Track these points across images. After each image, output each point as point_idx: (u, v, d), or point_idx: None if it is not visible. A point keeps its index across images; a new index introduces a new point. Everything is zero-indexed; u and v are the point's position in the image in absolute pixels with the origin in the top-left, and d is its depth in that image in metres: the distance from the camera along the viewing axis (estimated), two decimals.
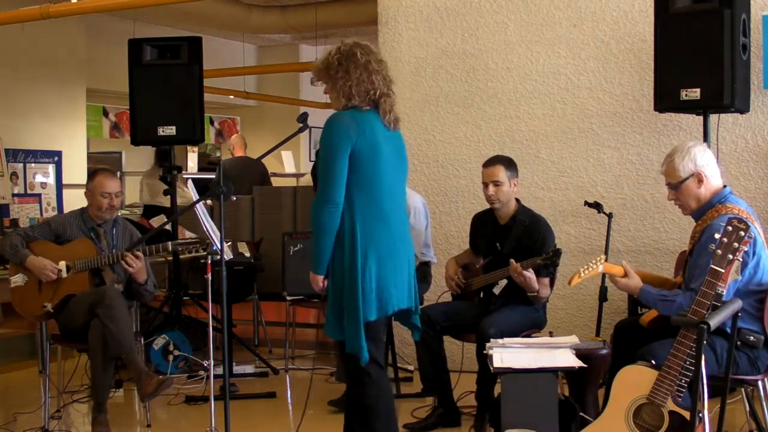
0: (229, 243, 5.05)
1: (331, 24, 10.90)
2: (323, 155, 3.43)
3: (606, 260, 3.76)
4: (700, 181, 3.61)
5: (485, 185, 4.50)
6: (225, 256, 3.81)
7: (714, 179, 3.64)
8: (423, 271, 5.20)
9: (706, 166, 3.62)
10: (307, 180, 10.63)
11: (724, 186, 3.68)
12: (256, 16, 10.97)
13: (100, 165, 10.26)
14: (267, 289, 6.53)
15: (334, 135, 3.41)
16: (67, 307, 4.59)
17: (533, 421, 3.51)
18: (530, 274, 4.29)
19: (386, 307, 3.43)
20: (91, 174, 4.97)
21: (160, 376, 4.37)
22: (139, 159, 12.29)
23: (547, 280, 4.43)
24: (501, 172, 4.46)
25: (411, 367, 5.52)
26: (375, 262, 3.40)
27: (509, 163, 4.52)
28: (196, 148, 14.18)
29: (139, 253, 4.57)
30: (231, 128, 14.55)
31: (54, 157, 10.00)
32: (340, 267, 3.41)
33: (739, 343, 3.45)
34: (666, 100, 4.76)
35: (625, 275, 3.66)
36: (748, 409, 3.94)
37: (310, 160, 13.79)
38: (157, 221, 6.99)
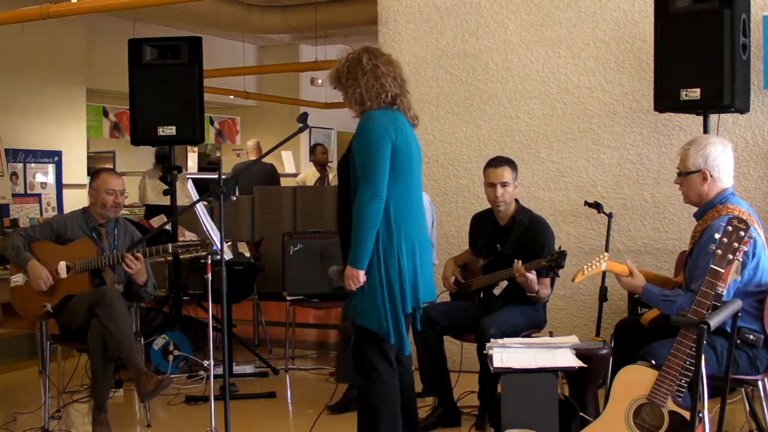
0: (229, 243, 5.06)
1: (331, 24, 10.91)
2: (365, 152, 3.46)
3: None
4: (704, 179, 3.61)
5: (491, 186, 4.48)
6: (225, 256, 3.81)
7: (722, 180, 3.62)
8: None
9: (717, 166, 3.61)
10: (300, 179, 10.67)
11: (728, 187, 3.68)
12: (256, 16, 10.97)
13: (97, 165, 10.31)
14: (267, 289, 6.54)
15: (376, 132, 3.47)
16: (66, 307, 4.59)
17: (533, 421, 3.51)
18: (532, 276, 4.29)
19: (419, 299, 3.55)
20: (95, 173, 4.97)
21: (159, 376, 4.37)
22: (132, 159, 12.32)
23: (547, 280, 4.43)
24: (508, 173, 4.46)
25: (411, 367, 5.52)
26: (411, 257, 3.50)
27: (513, 164, 4.53)
28: (196, 148, 14.22)
29: (139, 255, 4.57)
30: (231, 128, 14.56)
31: (54, 157, 10.01)
32: (377, 261, 3.47)
33: (738, 341, 3.45)
34: (666, 100, 4.76)
35: (630, 274, 3.67)
36: (748, 409, 3.94)
37: (311, 160, 13.81)
38: (157, 221, 7.00)
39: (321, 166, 10.04)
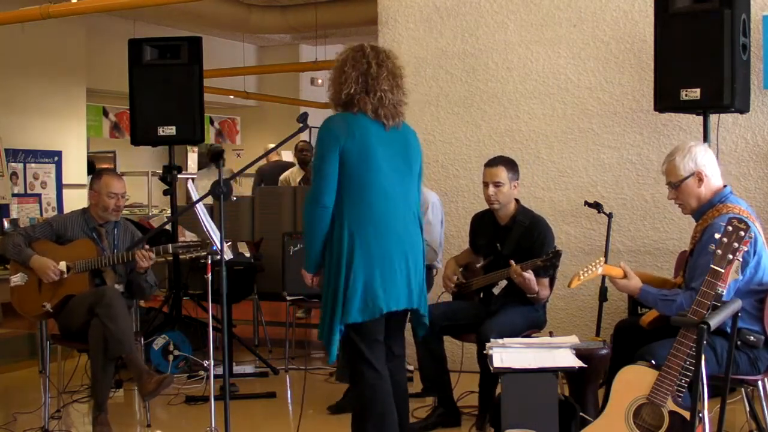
0: (229, 243, 5.05)
1: (331, 24, 10.91)
2: (314, 157, 3.50)
3: (606, 261, 3.76)
4: (700, 180, 3.61)
5: (485, 185, 4.49)
6: (225, 256, 3.80)
7: (714, 179, 3.65)
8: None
9: (707, 165, 3.63)
10: (283, 179, 10.63)
11: (725, 186, 3.68)
12: (256, 16, 10.98)
13: (98, 165, 10.32)
14: (267, 289, 6.53)
15: (323, 138, 3.47)
16: (66, 307, 4.59)
17: (533, 421, 3.51)
18: (530, 276, 4.28)
19: (373, 308, 3.44)
20: (96, 174, 4.96)
21: (161, 375, 4.37)
22: (132, 159, 12.34)
23: (546, 281, 4.43)
24: (503, 173, 4.45)
25: (411, 367, 5.51)
26: (362, 264, 3.41)
27: (511, 165, 4.52)
28: (196, 148, 14.20)
29: (151, 253, 4.55)
30: (231, 128, 14.57)
31: (54, 157, 10.02)
32: (327, 268, 3.47)
33: (739, 343, 3.45)
34: (666, 100, 4.76)
35: (625, 276, 3.66)
36: (748, 409, 3.94)
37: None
38: (157, 221, 7.01)
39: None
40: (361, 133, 3.43)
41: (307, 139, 12.75)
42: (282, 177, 9.35)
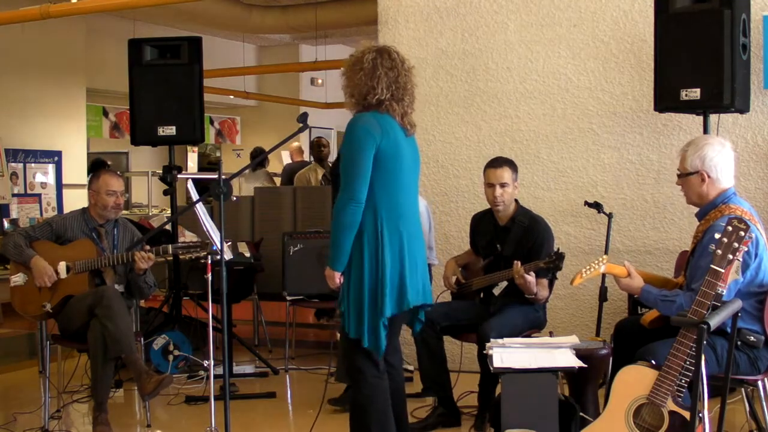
0: (229, 243, 5.05)
1: (331, 24, 10.91)
2: (347, 154, 3.47)
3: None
4: (703, 180, 3.61)
5: (491, 187, 4.48)
6: (225, 256, 3.80)
7: (722, 181, 3.61)
8: None
9: (714, 167, 3.60)
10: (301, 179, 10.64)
11: (730, 187, 3.67)
12: (256, 16, 10.97)
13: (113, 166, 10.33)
14: (267, 289, 6.54)
15: (359, 134, 3.46)
16: (66, 307, 4.59)
17: (533, 421, 3.51)
18: (531, 278, 4.28)
19: (403, 304, 3.50)
20: (94, 174, 4.97)
21: (160, 375, 4.37)
22: (132, 158, 12.35)
23: (545, 281, 4.43)
24: (507, 174, 4.46)
25: (411, 367, 5.52)
26: (396, 260, 3.47)
27: (513, 165, 4.53)
28: (196, 148, 14.22)
29: (151, 254, 4.55)
30: (231, 128, 14.57)
31: (54, 157, 10.01)
32: (361, 264, 3.46)
33: (739, 343, 3.45)
34: (666, 100, 4.76)
35: (628, 275, 3.66)
36: (748, 409, 3.94)
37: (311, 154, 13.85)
38: (157, 221, 7.00)
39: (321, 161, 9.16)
40: (394, 133, 3.50)
41: (308, 140, 12.76)
42: (300, 173, 9.02)
